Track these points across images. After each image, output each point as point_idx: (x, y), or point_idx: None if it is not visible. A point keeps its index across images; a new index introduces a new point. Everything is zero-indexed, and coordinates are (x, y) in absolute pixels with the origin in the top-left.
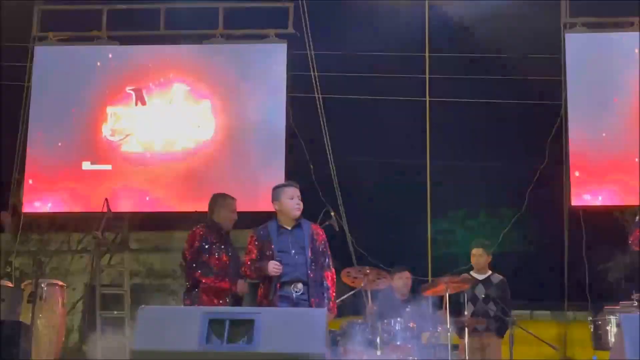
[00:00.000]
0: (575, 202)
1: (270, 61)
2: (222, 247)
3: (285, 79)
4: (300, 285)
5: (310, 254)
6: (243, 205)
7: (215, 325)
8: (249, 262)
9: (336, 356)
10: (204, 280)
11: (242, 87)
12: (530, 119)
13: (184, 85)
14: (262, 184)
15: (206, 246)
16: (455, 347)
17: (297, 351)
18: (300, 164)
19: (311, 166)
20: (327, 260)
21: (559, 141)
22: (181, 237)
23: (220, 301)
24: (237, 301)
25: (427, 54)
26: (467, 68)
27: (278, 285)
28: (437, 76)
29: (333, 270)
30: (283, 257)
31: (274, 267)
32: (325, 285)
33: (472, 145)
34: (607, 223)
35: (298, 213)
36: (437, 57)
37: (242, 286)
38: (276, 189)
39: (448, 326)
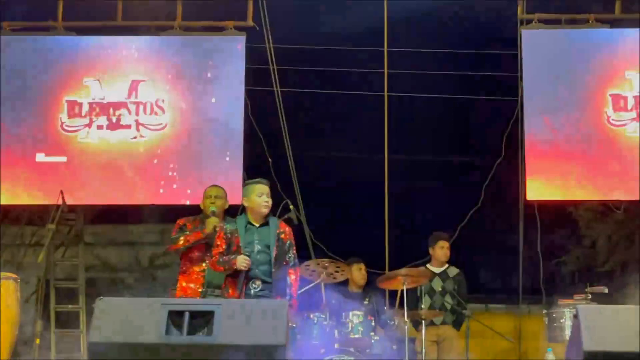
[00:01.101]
0: (530, 196)
1: (229, 54)
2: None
3: (244, 71)
4: (258, 282)
5: (275, 253)
6: (200, 199)
7: (174, 316)
8: (216, 255)
9: (294, 350)
10: (181, 239)
11: (200, 79)
12: (487, 114)
13: (141, 77)
14: (220, 178)
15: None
16: (412, 340)
17: (258, 343)
18: (259, 158)
19: (270, 160)
20: (292, 258)
21: (515, 136)
22: (137, 230)
23: (198, 287)
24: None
25: (385, 49)
26: (426, 64)
27: (244, 282)
28: (396, 71)
29: (298, 268)
30: (248, 253)
31: (242, 261)
32: (288, 282)
33: (430, 140)
34: (562, 218)
35: (266, 210)
36: (396, 52)
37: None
38: (246, 185)
39: (405, 319)
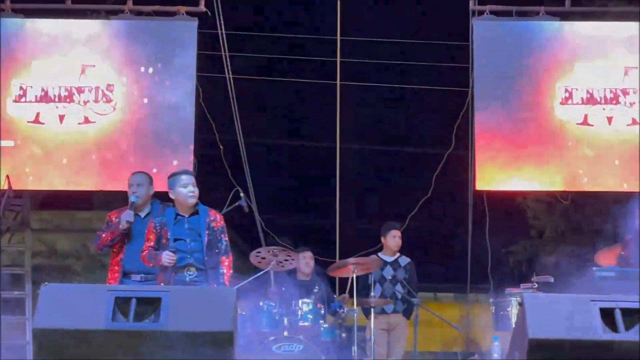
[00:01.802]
0: (480, 186)
1: (180, 39)
2: None
3: (195, 57)
4: (193, 269)
5: (206, 240)
6: None
7: (121, 303)
8: (146, 250)
9: (243, 338)
10: (102, 238)
11: (150, 64)
12: (438, 104)
13: (90, 61)
14: (170, 164)
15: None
16: (361, 328)
17: (205, 329)
18: (210, 145)
19: (221, 147)
20: (224, 245)
21: (466, 127)
22: (85, 217)
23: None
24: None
25: (338, 38)
26: (379, 53)
27: (173, 273)
28: (349, 60)
29: (230, 255)
30: (179, 245)
31: (166, 257)
32: (220, 270)
33: (382, 129)
34: (511, 208)
35: (193, 200)
36: (349, 40)
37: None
38: (170, 177)
39: (355, 307)
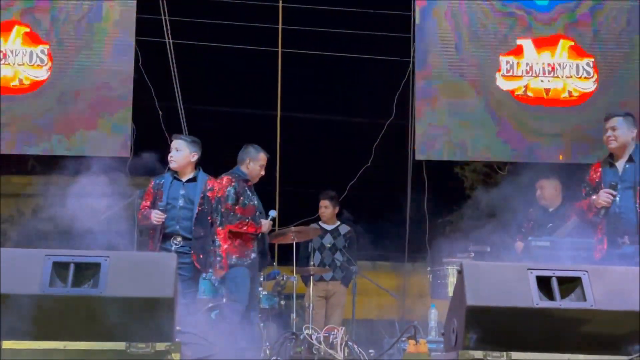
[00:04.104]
0: (418, 157)
1: (120, 2)
2: (250, 197)
3: (135, 21)
4: (179, 239)
5: (198, 210)
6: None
7: (59, 268)
8: (143, 209)
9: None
10: (230, 228)
11: (88, 28)
12: (379, 74)
13: (24, 28)
14: (107, 130)
15: (234, 196)
16: (300, 295)
17: (145, 295)
18: (149, 111)
19: (160, 113)
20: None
21: (406, 97)
22: (20, 181)
23: (245, 252)
24: (263, 254)
25: (280, 4)
26: (320, 21)
27: (161, 236)
28: (290, 27)
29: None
30: (169, 209)
31: (155, 215)
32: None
33: (323, 98)
34: (449, 178)
35: (171, 165)
36: (290, 7)
37: (266, 225)
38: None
39: (294, 274)
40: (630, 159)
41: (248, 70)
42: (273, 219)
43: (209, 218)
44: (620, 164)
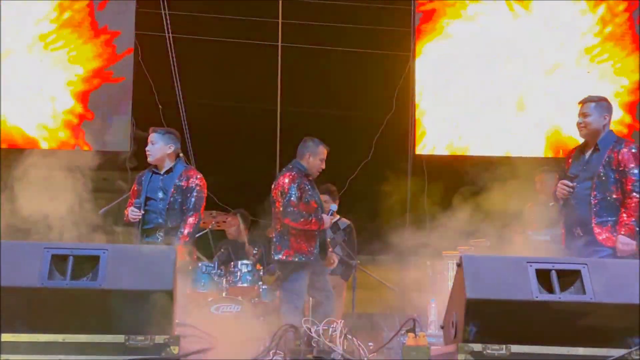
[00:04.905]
0: (419, 151)
1: None
2: (311, 193)
3: (134, 15)
4: (163, 231)
5: (169, 200)
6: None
7: (58, 261)
8: (128, 206)
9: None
10: (293, 225)
11: (90, 22)
12: (380, 68)
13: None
14: (106, 124)
15: (297, 192)
16: None
17: (144, 288)
18: (149, 106)
19: (160, 107)
20: (192, 204)
21: (407, 91)
22: None
23: (311, 247)
24: (323, 246)
25: None
26: (320, 15)
27: (144, 235)
28: (290, 21)
29: (195, 215)
30: (150, 203)
31: (131, 213)
32: (180, 230)
33: (323, 92)
34: (450, 173)
35: (148, 159)
36: (290, 2)
37: (328, 222)
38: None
39: None
40: (597, 148)
41: (248, 65)
42: (333, 213)
43: (183, 208)
44: (588, 153)
